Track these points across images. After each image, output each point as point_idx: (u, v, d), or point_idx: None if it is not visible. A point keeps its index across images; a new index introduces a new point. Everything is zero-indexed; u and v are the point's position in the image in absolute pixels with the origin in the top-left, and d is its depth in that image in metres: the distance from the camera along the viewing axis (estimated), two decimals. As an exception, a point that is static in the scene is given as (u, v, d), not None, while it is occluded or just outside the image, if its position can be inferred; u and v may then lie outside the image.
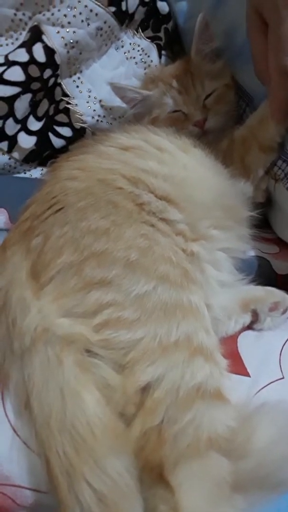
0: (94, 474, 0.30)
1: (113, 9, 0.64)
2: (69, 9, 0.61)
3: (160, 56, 0.72)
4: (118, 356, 0.36)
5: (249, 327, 0.47)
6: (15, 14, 0.60)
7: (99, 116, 0.68)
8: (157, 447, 0.32)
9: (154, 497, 0.32)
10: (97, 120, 0.68)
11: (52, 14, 0.60)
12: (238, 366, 0.41)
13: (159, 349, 0.36)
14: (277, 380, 0.41)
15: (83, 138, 0.69)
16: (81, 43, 0.63)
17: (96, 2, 0.62)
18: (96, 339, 0.36)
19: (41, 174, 0.68)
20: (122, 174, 0.48)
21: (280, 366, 0.42)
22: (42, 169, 0.69)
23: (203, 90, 0.62)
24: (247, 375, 0.41)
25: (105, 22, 0.64)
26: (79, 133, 0.68)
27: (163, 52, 0.74)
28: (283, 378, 0.41)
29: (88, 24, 0.62)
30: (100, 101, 0.68)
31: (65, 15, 0.61)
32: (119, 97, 0.64)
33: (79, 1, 0.61)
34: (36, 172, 0.68)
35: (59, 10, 0.60)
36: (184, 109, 0.62)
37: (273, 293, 0.48)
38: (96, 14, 0.62)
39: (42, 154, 0.67)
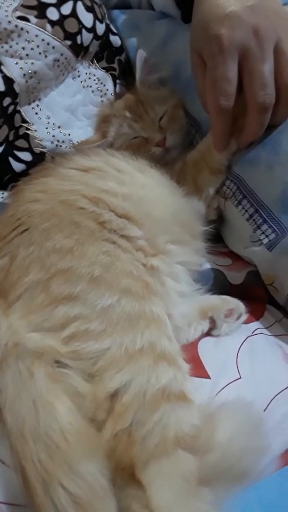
0: (68, 478, 0.32)
1: (69, 42, 0.68)
2: (27, 42, 0.64)
3: (115, 84, 0.77)
4: (87, 366, 0.38)
5: (208, 333, 0.50)
6: (-28, 46, 0.63)
7: (58, 141, 0.71)
8: (128, 448, 0.34)
9: (127, 497, 0.34)
10: (56, 145, 0.71)
11: (10, 47, 0.63)
12: (199, 370, 0.44)
13: (126, 357, 0.38)
14: (235, 380, 0.44)
15: (43, 162, 0.71)
16: (39, 73, 0.66)
17: (52, 36, 0.66)
18: (65, 350, 0.38)
19: (1, 197, 0.70)
20: (83, 194, 0.51)
21: (237, 367, 0.46)
22: (3, 193, 0.70)
23: (155, 114, 0.67)
24: (208, 377, 0.44)
25: (61, 54, 0.68)
26: (39, 157, 0.70)
27: (117, 81, 0.79)
28: (240, 378, 0.45)
29: (46, 56, 0.66)
30: (59, 127, 0.71)
31: (23, 48, 0.64)
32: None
33: (36, 35, 0.64)
34: (-3, 196, 0.70)
35: (17, 43, 0.63)
36: (143, 134, 0.67)
37: (228, 301, 0.52)
38: (53, 47, 0.66)
39: (3, 178, 0.69)
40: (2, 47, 0.63)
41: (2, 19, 0.62)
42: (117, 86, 0.79)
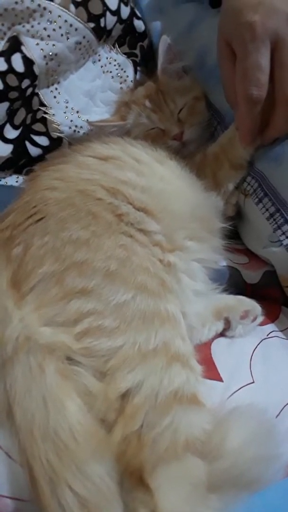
0: (76, 479, 0.31)
1: (92, 25, 0.65)
2: (49, 23, 0.62)
3: (135, 71, 0.75)
4: (99, 364, 0.37)
5: (222, 334, 0.49)
6: (-7, 24, 0.61)
7: (76, 126, 0.69)
8: (137, 452, 0.34)
9: (134, 500, 0.33)
10: (74, 131, 0.69)
11: (32, 27, 0.61)
12: (212, 372, 0.43)
13: (139, 356, 0.37)
14: (247, 384, 0.43)
15: (60, 148, 0.70)
16: (60, 55, 0.64)
17: (76, 17, 0.63)
18: (77, 347, 0.37)
19: (16, 181, 0.69)
20: (101, 185, 0.49)
21: (251, 371, 0.45)
22: (18, 177, 0.69)
23: (175, 106, 0.65)
24: (220, 380, 0.43)
25: (84, 37, 0.65)
26: (56, 143, 0.69)
27: (138, 68, 0.76)
28: (253, 382, 0.44)
29: (68, 38, 0.64)
30: (77, 112, 0.69)
31: (44, 28, 0.62)
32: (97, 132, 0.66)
33: (59, 16, 0.62)
34: (12, 180, 0.68)
35: (39, 23, 0.61)
36: (161, 126, 0.65)
37: (244, 302, 0.51)
38: (76, 29, 0.64)
39: (18, 162, 0.68)
40: (23, 26, 0.61)
41: (25, -3, 0.60)
42: (138, 73, 0.76)
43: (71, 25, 0.63)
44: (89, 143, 0.60)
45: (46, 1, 0.61)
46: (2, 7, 0.60)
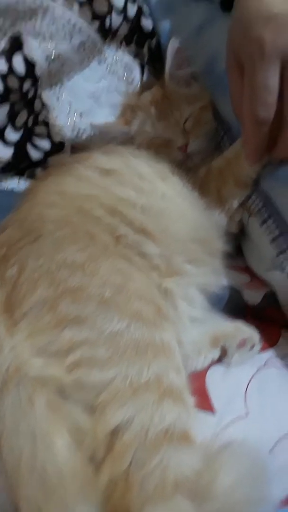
0: (62, 520, 0.31)
1: (96, 24, 0.63)
2: (51, 23, 0.59)
3: (142, 73, 0.72)
4: (89, 397, 0.36)
5: (218, 360, 0.48)
6: (-5, 22, 0.58)
7: (79, 129, 0.67)
8: (125, 491, 0.33)
9: (121, 540, 0.33)
10: (77, 134, 0.67)
11: (34, 26, 0.59)
12: (205, 403, 0.42)
13: (130, 390, 0.36)
14: (241, 417, 0.43)
15: (61, 152, 0.68)
16: (63, 56, 0.62)
17: (79, 17, 0.61)
18: (68, 380, 0.36)
19: (17, 184, 0.67)
20: (100, 202, 0.48)
21: (245, 402, 0.44)
22: (19, 179, 0.67)
23: (181, 115, 0.62)
24: (213, 411, 0.42)
25: (88, 37, 0.63)
26: (58, 147, 0.67)
27: (145, 69, 0.73)
28: (247, 414, 0.43)
29: (71, 39, 0.61)
30: (80, 114, 0.67)
31: (47, 28, 0.59)
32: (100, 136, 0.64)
33: (62, 15, 0.59)
34: (13, 183, 0.66)
35: (41, 23, 0.59)
36: (165, 135, 0.62)
37: (242, 330, 0.49)
38: (80, 29, 0.61)
39: (19, 166, 0.66)
40: (25, 26, 0.59)
41: (27, -5, 0.57)
42: (145, 74, 0.74)
43: (74, 25, 0.61)
44: (91, 152, 0.58)
45: (48, 0, 0.58)
46: (4, 5, 0.57)
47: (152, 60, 0.74)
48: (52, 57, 0.60)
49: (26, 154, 0.65)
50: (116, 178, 0.52)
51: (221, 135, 0.66)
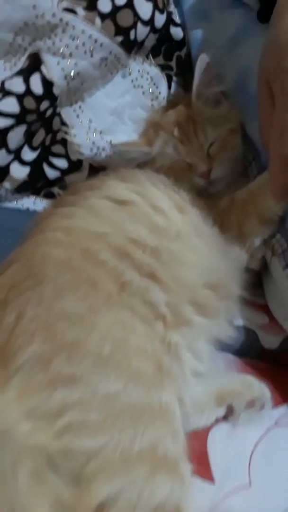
0: None
1: (120, 38, 0.59)
2: (71, 39, 0.56)
3: (169, 87, 0.68)
4: (77, 466, 0.34)
5: (223, 418, 0.45)
6: (14, 39, 0.56)
7: (98, 148, 0.64)
8: None
9: None
10: (96, 153, 0.64)
11: (53, 43, 0.56)
12: (204, 470, 0.40)
13: (120, 461, 0.35)
14: (243, 486, 0.40)
15: (79, 171, 0.65)
16: (83, 74, 0.59)
17: (101, 32, 0.57)
18: (56, 446, 0.34)
19: (33, 204, 0.66)
20: (108, 242, 0.45)
21: (249, 469, 0.41)
22: (35, 198, 0.66)
23: (205, 139, 0.58)
24: (212, 480, 0.40)
25: (110, 52, 0.59)
26: (76, 165, 0.65)
27: (174, 80, 0.69)
28: (249, 483, 0.40)
29: (92, 55, 0.58)
30: (100, 132, 0.64)
31: (66, 46, 0.56)
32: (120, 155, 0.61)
33: (82, 31, 0.56)
34: (29, 201, 0.65)
35: (60, 40, 0.55)
36: (187, 160, 0.59)
37: (251, 388, 0.46)
38: (101, 45, 0.58)
39: (35, 185, 0.64)
40: (44, 43, 0.56)
41: (46, 11, 0.54)
42: (173, 86, 0.69)
43: (96, 41, 0.57)
44: (107, 177, 0.55)
45: (69, 15, 0.55)
46: (22, 21, 0.54)
47: (181, 72, 0.69)
48: (72, 76, 0.58)
49: (43, 173, 0.63)
50: (129, 211, 0.49)
51: (249, 160, 0.61)
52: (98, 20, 0.57)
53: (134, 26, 0.59)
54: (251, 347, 0.53)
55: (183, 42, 0.68)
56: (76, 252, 0.44)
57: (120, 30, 0.58)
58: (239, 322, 0.55)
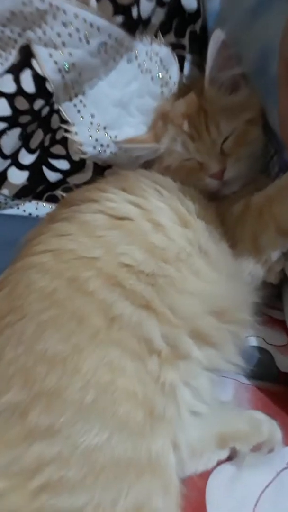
0: None
1: (120, 19, 0.51)
2: (63, 27, 0.49)
3: (181, 69, 0.59)
4: None
5: (227, 459, 0.41)
6: (2, 31, 0.50)
7: (101, 146, 0.59)
8: None
9: None
10: (100, 151, 0.59)
11: (44, 33, 0.50)
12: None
13: (100, 525, 0.32)
14: None
15: (82, 171, 0.60)
16: (79, 64, 0.52)
17: (97, 14, 0.50)
18: (31, 508, 0.32)
19: (36, 208, 0.62)
20: (99, 268, 0.41)
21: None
22: (37, 203, 0.62)
23: (218, 134, 0.50)
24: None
25: (109, 36, 0.52)
26: (78, 165, 0.60)
27: (188, 60, 0.60)
28: None
29: (88, 42, 0.51)
30: (104, 128, 0.58)
31: (58, 34, 0.49)
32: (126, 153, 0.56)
33: (75, 16, 0.49)
34: (31, 207, 0.62)
35: (51, 28, 0.49)
36: (198, 158, 0.52)
37: (260, 430, 0.40)
38: (98, 29, 0.51)
39: (36, 189, 0.60)
40: (35, 33, 0.50)
41: (33, -4, 0.48)
42: (187, 67, 0.61)
43: (91, 25, 0.50)
44: (105, 188, 0.49)
45: None
46: (9, 10, 0.49)
47: (197, 49, 0.61)
48: (67, 68, 0.52)
49: (43, 177, 0.59)
50: (125, 229, 0.44)
51: (270, 154, 0.53)
52: (93, 1, 0.49)
53: (136, 1, 0.51)
54: (267, 370, 0.48)
55: (197, 14, 0.58)
56: (62, 282, 0.40)
57: (120, 9, 0.51)
58: (253, 342, 0.49)
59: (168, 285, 0.41)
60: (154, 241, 0.43)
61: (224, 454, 0.40)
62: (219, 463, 0.41)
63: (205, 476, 0.40)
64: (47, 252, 0.43)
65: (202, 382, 0.41)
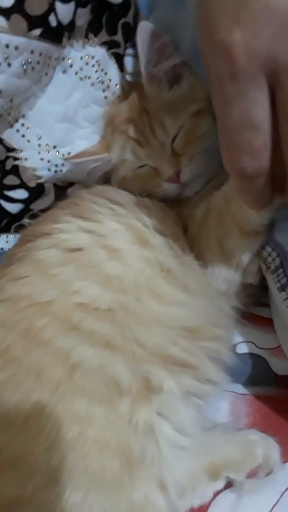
0: None
1: (37, 31, 0.47)
2: (-25, 55, 0.46)
3: (121, 69, 0.55)
4: None
5: (226, 486, 0.38)
6: None
7: (56, 166, 0.55)
8: None
9: None
10: (55, 171, 0.56)
11: None
12: None
13: None
14: None
15: (43, 196, 0.58)
16: (7, 90, 0.48)
17: (11, 33, 0.46)
18: None
19: (6, 242, 0.60)
20: (54, 313, 0.38)
21: None
22: (7, 236, 0.60)
23: (165, 134, 0.46)
24: None
25: (31, 53, 0.48)
26: (36, 192, 0.57)
27: (129, 54, 0.55)
28: None
29: (9, 65, 0.47)
30: (54, 147, 0.55)
31: (-27, 64, 0.46)
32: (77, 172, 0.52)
33: (-15, 41, 0.45)
34: (1, 241, 0.60)
35: None
36: (150, 163, 0.48)
37: (254, 454, 0.37)
38: (16, 48, 0.46)
39: (1, 223, 0.58)
40: None
41: None
42: (129, 62, 0.55)
43: (7, 46, 0.46)
44: (58, 216, 0.46)
45: None
46: None
47: (134, 42, 0.55)
48: (-7, 98, 0.48)
49: (3, 210, 0.57)
50: (78, 262, 0.41)
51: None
52: (2, 20, 0.45)
53: (51, 9, 0.47)
54: (262, 375, 0.45)
55: (126, 4, 0.53)
56: (17, 335, 0.37)
57: (35, 21, 0.46)
58: (244, 349, 0.46)
59: (128, 318, 0.38)
60: (109, 271, 0.40)
61: (220, 485, 0.38)
62: (218, 493, 0.38)
63: (203, 509, 0.37)
64: (2, 302, 0.41)
65: (182, 413, 0.38)
